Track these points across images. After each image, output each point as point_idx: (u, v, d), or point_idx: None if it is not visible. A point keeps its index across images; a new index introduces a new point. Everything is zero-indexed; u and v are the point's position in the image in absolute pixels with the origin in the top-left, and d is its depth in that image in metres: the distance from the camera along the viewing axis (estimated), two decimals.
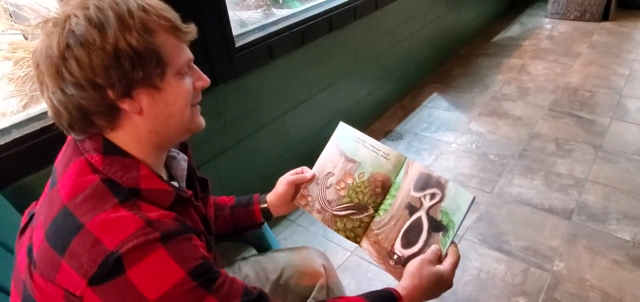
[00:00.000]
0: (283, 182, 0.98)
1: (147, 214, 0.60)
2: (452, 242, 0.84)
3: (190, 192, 0.73)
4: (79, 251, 0.57)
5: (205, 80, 0.71)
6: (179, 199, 0.69)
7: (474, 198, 0.85)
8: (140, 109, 0.63)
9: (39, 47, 0.60)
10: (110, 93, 0.59)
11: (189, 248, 0.61)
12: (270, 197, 1.00)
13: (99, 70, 0.58)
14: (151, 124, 0.65)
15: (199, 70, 0.71)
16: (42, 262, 0.60)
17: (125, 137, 0.65)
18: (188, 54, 0.67)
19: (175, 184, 0.74)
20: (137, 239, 0.56)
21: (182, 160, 0.81)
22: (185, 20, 0.67)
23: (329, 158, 0.97)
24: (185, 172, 0.80)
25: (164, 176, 0.76)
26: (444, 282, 0.81)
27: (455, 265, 0.82)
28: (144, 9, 0.61)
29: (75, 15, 0.58)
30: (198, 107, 0.73)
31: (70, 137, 0.68)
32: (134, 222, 0.58)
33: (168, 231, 0.59)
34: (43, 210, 0.64)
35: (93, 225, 0.57)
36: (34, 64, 0.61)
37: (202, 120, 0.73)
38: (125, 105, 0.61)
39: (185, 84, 0.66)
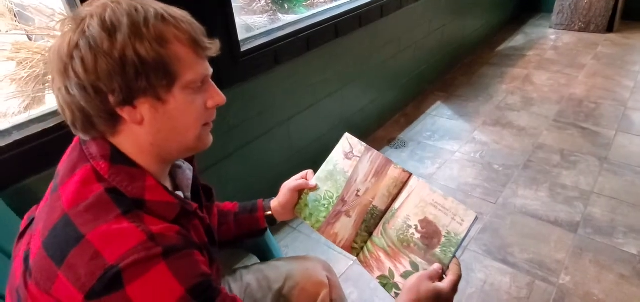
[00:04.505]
0: (286, 190, 0.97)
1: (150, 227, 0.58)
2: (454, 256, 0.82)
3: (195, 206, 0.71)
4: (77, 262, 0.55)
5: (219, 98, 0.68)
6: (184, 211, 0.67)
7: (476, 217, 0.83)
8: (141, 120, 0.61)
9: (55, 43, 0.60)
10: (111, 99, 0.58)
11: (190, 264, 0.60)
12: (275, 203, 0.99)
13: (103, 75, 0.57)
14: (152, 136, 0.63)
15: (215, 87, 0.68)
16: (38, 272, 0.58)
17: (128, 144, 0.64)
18: (204, 70, 0.65)
19: (180, 194, 0.72)
20: (138, 254, 0.55)
21: (188, 169, 0.79)
22: (209, 34, 0.65)
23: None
24: (190, 182, 0.79)
25: (169, 185, 0.74)
26: (443, 300, 0.78)
27: (455, 283, 0.79)
28: (162, 18, 0.60)
29: (92, 17, 0.57)
30: (210, 125, 0.70)
31: (77, 139, 0.66)
32: (136, 235, 0.56)
33: (170, 246, 0.58)
34: (43, 215, 0.62)
35: (94, 236, 0.56)
36: (49, 57, 0.61)
37: (210, 139, 0.71)
38: (124, 114, 0.60)
39: (195, 101, 0.64)
